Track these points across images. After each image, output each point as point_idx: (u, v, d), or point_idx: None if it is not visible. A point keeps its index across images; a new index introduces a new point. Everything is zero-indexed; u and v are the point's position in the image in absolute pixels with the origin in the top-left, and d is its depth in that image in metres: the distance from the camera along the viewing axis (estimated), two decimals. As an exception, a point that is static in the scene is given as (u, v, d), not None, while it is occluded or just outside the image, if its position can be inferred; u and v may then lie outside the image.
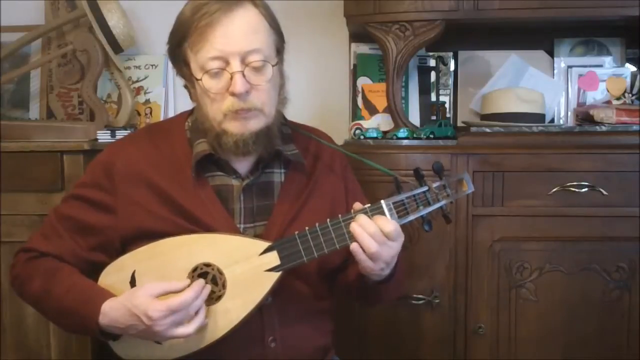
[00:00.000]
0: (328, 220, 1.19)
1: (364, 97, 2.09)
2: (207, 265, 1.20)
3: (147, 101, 2.23)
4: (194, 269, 1.21)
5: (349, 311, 1.81)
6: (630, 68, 2.09)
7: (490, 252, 1.78)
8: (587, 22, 1.96)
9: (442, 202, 1.23)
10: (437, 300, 1.80)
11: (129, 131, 1.92)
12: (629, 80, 2.05)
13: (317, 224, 1.19)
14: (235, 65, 1.18)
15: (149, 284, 1.18)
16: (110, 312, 1.18)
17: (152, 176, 1.27)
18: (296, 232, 1.19)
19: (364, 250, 1.16)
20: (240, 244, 1.21)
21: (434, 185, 1.22)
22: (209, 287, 1.19)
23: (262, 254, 1.19)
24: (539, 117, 1.97)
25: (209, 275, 1.20)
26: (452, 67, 2.19)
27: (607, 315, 1.77)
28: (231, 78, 1.18)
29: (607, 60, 2.11)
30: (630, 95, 2.04)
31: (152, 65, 2.23)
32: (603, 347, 1.77)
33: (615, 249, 1.76)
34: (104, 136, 1.92)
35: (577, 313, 1.77)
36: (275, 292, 1.22)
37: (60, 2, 2.18)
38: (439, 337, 1.81)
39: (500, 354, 1.80)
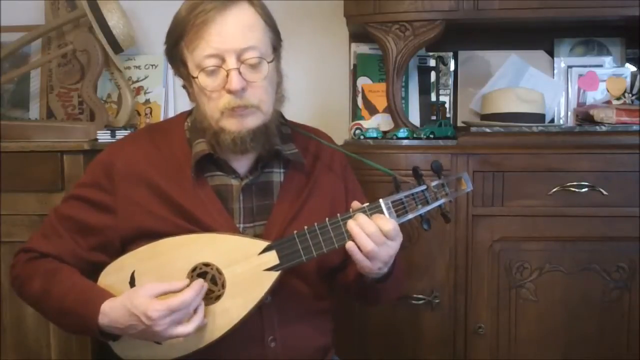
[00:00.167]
0: (327, 219, 1.19)
1: (364, 97, 2.08)
2: (207, 265, 1.20)
3: (147, 101, 2.23)
4: (193, 269, 1.21)
5: (349, 311, 1.81)
6: (630, 68, 2.09)
7: (490, 252, 1.78)
8: (587, 22, 1.96)
9: (441, 201, 1.23)
10: (437, 300, 1.79)
11: (129, 131, 1.92)
12: (629, 80, 2.04)
13: (316, 224, 1.19)
14: (231, 62, 1.18)
15: (148, 284, 1.18)
16: (110, 312, 1.18)
17: (152, 176, 1.27)
18: (295, 232, 1.19)
19: (360, 250, 1.16)
20: (239, 243, 1.21)
21: (433, 184, 1.22)
22: (205, 285, 1.19)
23: (261, 253, 1.19)
24: (539, 117, 1.97)
25: (208, 275, 1.20)
26: (452, 67, 2.19)
27: (607, 315, 1.77)
28: (227, 75, 1.18)
29: (607, 60, 2.11)
30: (630, 95, 2.03)
31: (152, 65, 2.24)
32: (603, 347, 1.77)
33: (615, 249, 1.75)
34: (104, 136, 1.91)
35: (577, 313, 1.77)
36: (275, 291, 1.22)
37: (60, 2, 2.18)
38: (438, 337, 1.81)
39: (500, 354, 1.80)
